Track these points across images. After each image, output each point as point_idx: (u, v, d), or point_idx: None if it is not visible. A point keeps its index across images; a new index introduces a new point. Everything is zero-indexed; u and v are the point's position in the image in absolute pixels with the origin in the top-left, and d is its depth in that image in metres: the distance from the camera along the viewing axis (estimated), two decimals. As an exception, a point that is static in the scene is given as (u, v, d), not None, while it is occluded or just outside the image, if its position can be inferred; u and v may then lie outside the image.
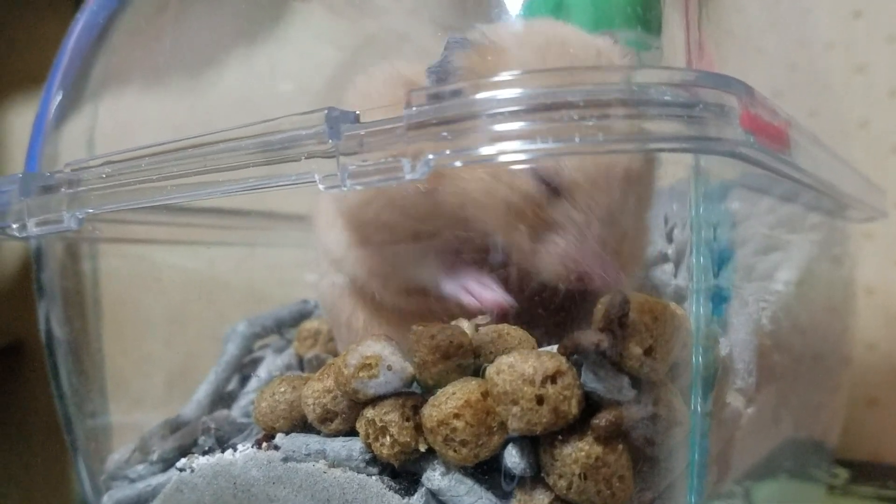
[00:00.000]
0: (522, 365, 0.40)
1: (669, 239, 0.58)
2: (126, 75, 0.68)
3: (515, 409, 0.39)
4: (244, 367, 0.65)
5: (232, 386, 0.64)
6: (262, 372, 0.63)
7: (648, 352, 0.40)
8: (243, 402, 0.61)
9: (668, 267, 0.55)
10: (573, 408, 0.39)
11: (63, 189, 0.49)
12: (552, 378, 0.40)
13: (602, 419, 0.40)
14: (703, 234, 0.42)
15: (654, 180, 0.48)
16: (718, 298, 0.50)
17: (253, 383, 0.63)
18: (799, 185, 0.53)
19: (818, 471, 0.79)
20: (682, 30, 0.44)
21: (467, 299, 0.48)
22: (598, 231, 0.43)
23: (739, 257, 0.58)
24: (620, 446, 0.40)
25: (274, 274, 0.84)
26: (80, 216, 0.49)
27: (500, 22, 0.49)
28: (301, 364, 0.63)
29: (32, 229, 0.50)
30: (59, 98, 0.60)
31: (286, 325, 0.70)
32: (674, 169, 0.47)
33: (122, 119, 0.68)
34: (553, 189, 0.44)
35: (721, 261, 0.50)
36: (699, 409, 0.42)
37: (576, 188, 0.43)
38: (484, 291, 0.48)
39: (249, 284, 0.85)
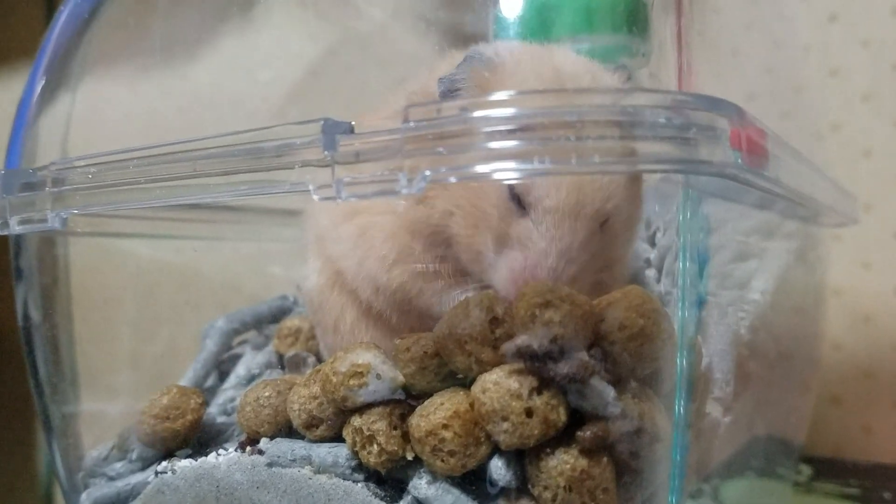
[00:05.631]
0: (507, 380, 0.40)
1: (652, 243, 0.58)
2: (103, 65, 0.67)
3: (506, 425, 0.40)
4: (222, 364, 0.65)
5: (210, 382, 0.64)
6: (241, 369, 0.62)
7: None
8: (221, 399, 0.61)
9: (651, 272, 0.56)
10: (562, 416, 0.40)
11: (47, 187, 0.48)
12: (538, 390, 0.40)
13: (587, 431, 0.40)
14: (689, 239, 0.43)
15: (635, 221, 0.49)
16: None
17: (231, 380, 0.62)
18: (777, 197, 0.54)
19: (785, 469, 0.80)
20: (672, 38, 0.44)
21: None
22: (553, 257, 0.44)
23: (715, 264, 0.59)
24: (605, 459, 0.41)
25: (249, 267, 0.84)
26: (65, 216, 0.48)
27: (509, 43, 0.49)
28: (281, 362, 0.63)
29: (15, 227, 0.49)
30: (41, 86, 0.59)
31: (265, 321, 0.69)
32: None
33: (98, 107, 0.67)
34: (522, 206, 0.44)
35: (698, 267, 0.51)
36: (683, 413, 0.42)
37: (542, 211, 0.44)
38: None
39: (224, 277, 0.84)
